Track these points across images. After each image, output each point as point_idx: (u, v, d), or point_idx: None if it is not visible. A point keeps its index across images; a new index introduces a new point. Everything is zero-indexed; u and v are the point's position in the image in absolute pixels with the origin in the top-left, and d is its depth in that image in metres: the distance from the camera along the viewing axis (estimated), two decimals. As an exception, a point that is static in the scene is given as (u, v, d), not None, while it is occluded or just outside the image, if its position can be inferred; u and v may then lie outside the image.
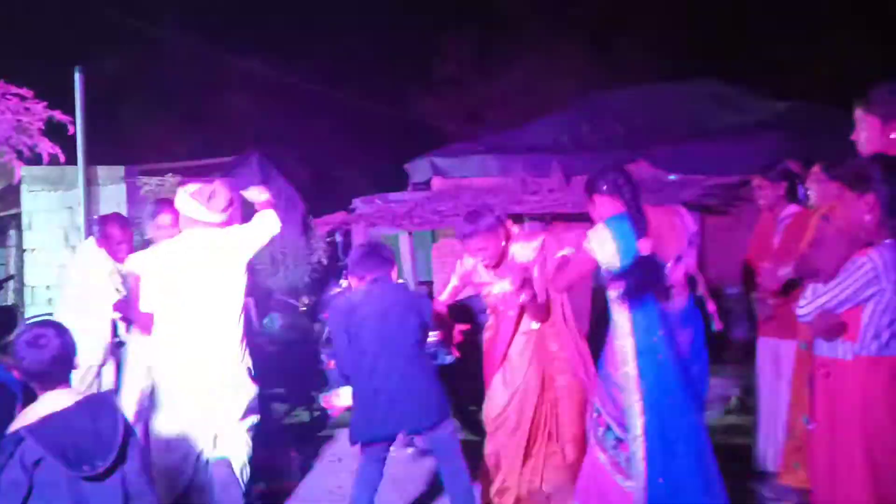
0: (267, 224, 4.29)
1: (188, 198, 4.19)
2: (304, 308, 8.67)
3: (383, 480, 4.25)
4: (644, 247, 3.72)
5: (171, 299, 4.15)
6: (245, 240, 4.25)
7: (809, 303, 3.32)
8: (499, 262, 4.40)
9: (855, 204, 3.27)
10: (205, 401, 4.08)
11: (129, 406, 4.72)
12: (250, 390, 4.21)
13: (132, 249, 4.97)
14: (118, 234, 5.10)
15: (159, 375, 4.22)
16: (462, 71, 16.66)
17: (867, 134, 3.58)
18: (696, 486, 3.71)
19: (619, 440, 3.84)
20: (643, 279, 3.71)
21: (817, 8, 14.10)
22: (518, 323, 4.41)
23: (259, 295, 10.71)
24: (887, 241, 3.21)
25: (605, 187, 3.89)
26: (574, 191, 8.12)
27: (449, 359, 5.26)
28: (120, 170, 8.36)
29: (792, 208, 4.83)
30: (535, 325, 4.42)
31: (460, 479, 4.11)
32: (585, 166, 8.37)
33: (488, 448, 4.45)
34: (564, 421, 4.38)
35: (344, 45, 16.04)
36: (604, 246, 3.76)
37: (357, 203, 9.93)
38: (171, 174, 8.61)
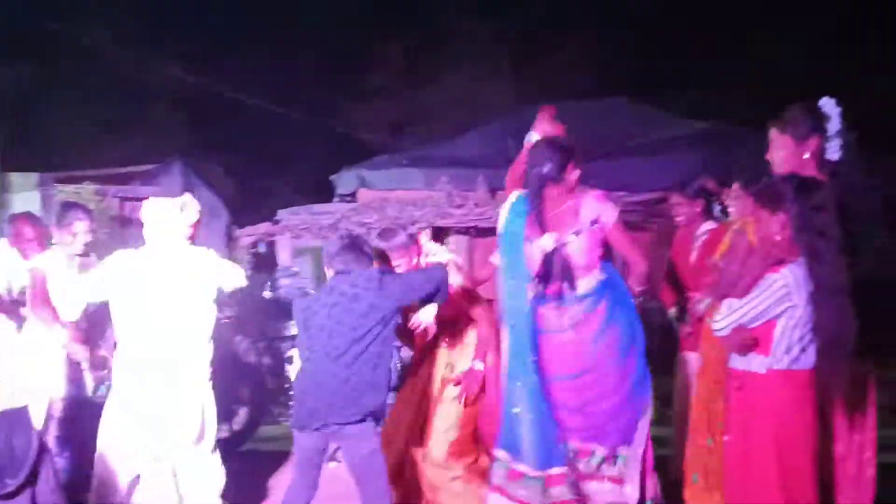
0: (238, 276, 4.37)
1: (156, 208, 4.19)
2: (227, 320, 8.49)
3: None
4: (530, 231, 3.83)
5: (139, 308, 4.11)
6: (222, 275, 4.29)
7: (725, 317, 3.41)
8: None
9: (768, 222, 3.38)
10: (160, 418, 4.06)
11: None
12: (212, 415, 4.17)
13: (44, 248, 4.87)
14: (29, 232, 4.98)
15: (117, 381, 4.17)
16: (389, 83, 16.67)
17: (782, 153, 3.66)
18: None
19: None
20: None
21: (734, 27, 14.55)
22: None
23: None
24: (799, 258, 3.32)
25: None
26: (499, 205, 8.20)
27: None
28: (34, 177, 8.13)
29: (708, 225, 4.97)
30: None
31: (371, 485, 3.97)
32: (511, 180, 8.47)
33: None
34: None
35: (271, 54, 15.88)
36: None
37: (282, 214, 9.83)
38: (88, 182, 8.41)
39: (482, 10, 15.94)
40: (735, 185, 4.65)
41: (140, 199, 9.87)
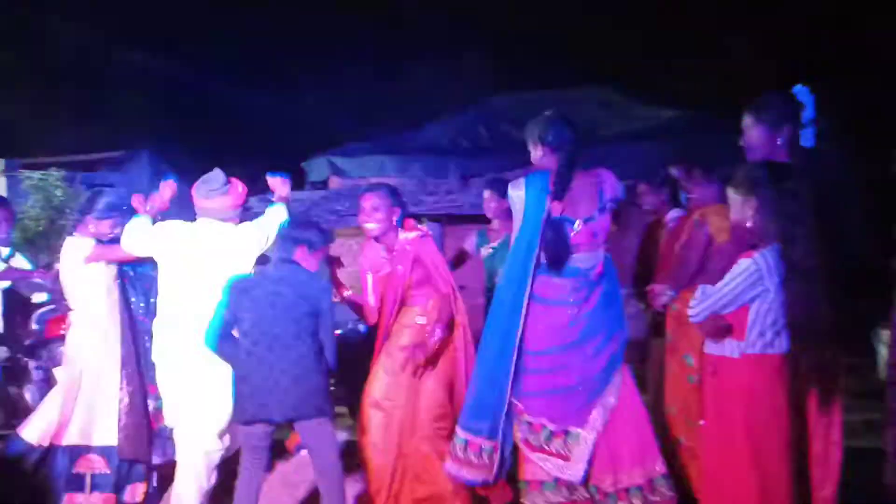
0: (277, 217, 4.39)
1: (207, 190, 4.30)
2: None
3: (274, 482, 4.17)
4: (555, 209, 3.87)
5: (179, 283, 4.27)
6: (255, 237, 4.33)
7: (699, 304, 3.42)
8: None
9: (741, 207, 3.41)
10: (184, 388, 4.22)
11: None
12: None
13: (10, 229, 5.02)
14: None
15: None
16: (358, 70, 16.59)
17: (756, 140, 3.70)
18: None
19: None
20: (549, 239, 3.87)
21: (706, 17, 14.65)
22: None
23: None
24: (771, 243, 3.35)
25: (549, 138, 3.99)
26: (471, 192, 8.24)
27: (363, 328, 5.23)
28: (0, 163, 8.01)
29: (675, 213, 5.03)
30: (420, 320, 4.40)
31: (329, 477, 3.98)
32: (482, 168, 8.52)
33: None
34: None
35: (238, 41, 15.74)
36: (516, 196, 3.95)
37: (252, 202, 9.76)
38: (54, 168, 8.31)
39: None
40: (696, 173, 4.70)
41: (106, 186, 9.82)
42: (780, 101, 3.67)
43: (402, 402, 4.31)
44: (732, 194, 3.45)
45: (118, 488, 4.45)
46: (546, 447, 3.88)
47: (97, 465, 4.43)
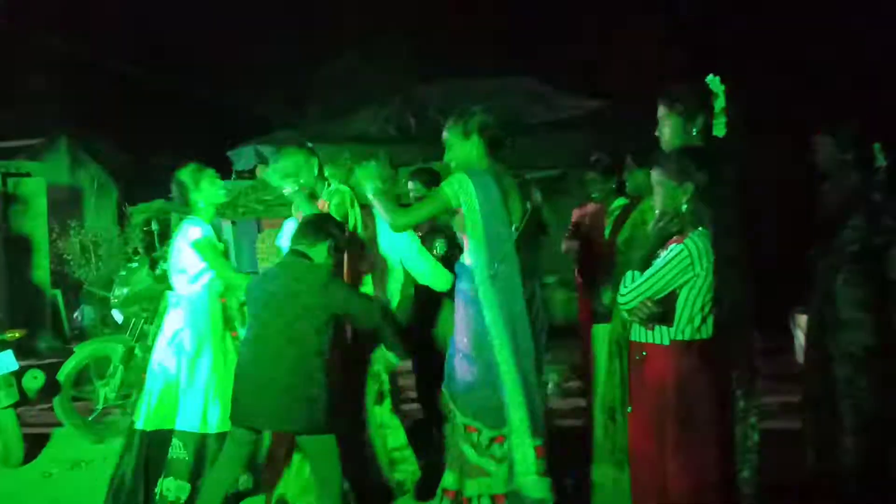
0: None
1: None
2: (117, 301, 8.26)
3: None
4: None
5: None
6: None
7: (630, 290, 3.41)
8: None
9: (674, 193, 3.43)
10: None
11: None
12: None
13: None
14: None
15: None
16: (282, 57, 16.37)
17: (669, 130, 3.73)
18: None
19: None
20: None
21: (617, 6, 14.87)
22: None
23: (68, 287, 10.17)
24: (700, 228, 3.39)
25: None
26: (400, 181, 8.21)
27: None
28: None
29: (620, 201, 5.13)
30: None
31: (325, 490, 3.86)
32: (411, 157, 8.52)
33: None
34: None
35: (162, 27, 15.35)
36: None
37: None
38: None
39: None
40: (628, 160, 4.77)
41: (23, 175, 9.53)
42: (692, 91, 3.69)
43: None
44: (664, 180, 3.45)
45: None
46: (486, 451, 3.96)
47: None
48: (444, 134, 4.11)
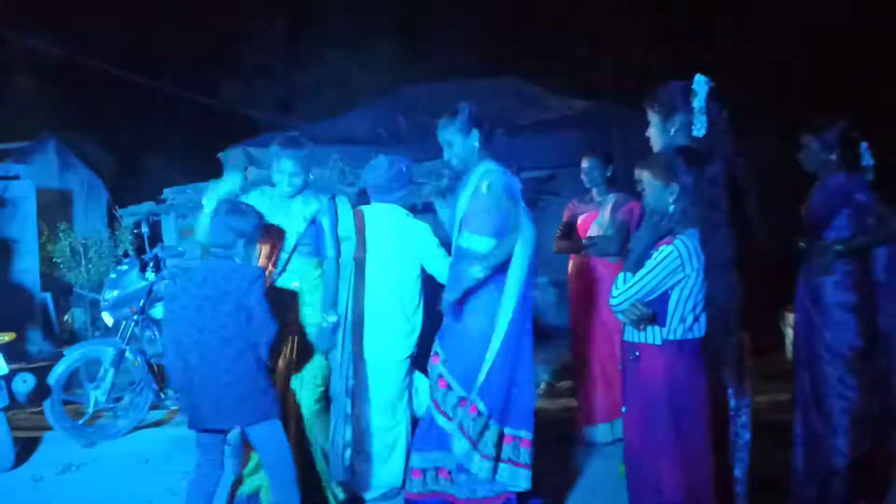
0: None
1: None
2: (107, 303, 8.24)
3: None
4: None
5: None
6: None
7: (622, 292, 3.42)
8: None
9: (661, 193, 3.46)
10: None
11: None
12: None
13: None
14: None
15: None
16: (271, 59, 16.35)
17: (654, 130, 3.77)
18: None
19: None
20: None
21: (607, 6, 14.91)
22: None
23: (58, 290, 10.14)
24: (690, 229, 3.41)
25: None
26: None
27: None
28: None
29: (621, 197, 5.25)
30: None
31: (279, 475, 3.90)
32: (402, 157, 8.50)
33: None
34: None
35: (150, 27, 15.30)
36: None
37: (168, 193, 9.55)
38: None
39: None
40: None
41: (11, 178, 9.48)
42: (670, 91, 3.72)
43: None
44: (651, 180, 3.47)
45: None
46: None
47: None
48: (441, 133, 4.14)
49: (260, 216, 4.03)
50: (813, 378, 4.07)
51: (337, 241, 4.46)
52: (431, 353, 4.25)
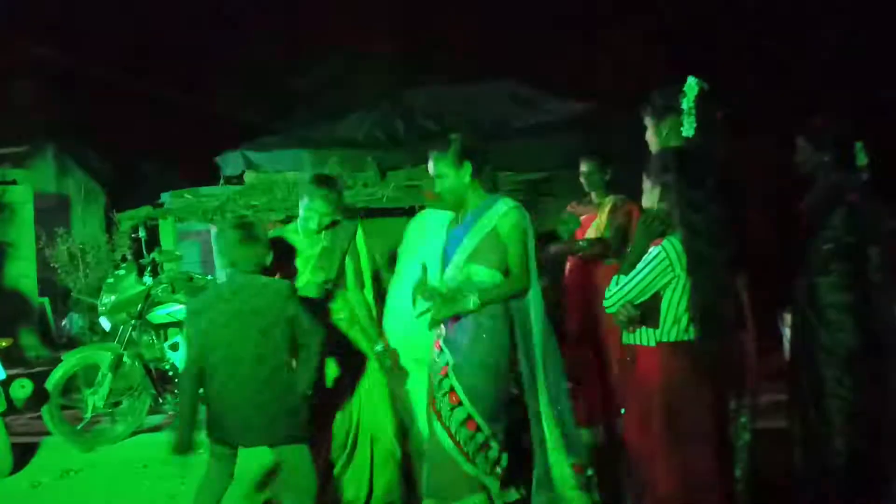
0: None
1: None
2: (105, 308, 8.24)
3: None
4: None
5: None
6: None
7: (614, 294, 3.44)
8: None
9: (650, 193, 3.47)
10: None
11: None
12: None
13: None
14: None
15: None
16: (268, 63, 16.35)
17: (649, 132, 3.81)
18: None
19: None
20: None
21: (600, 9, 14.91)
22: None
23: (56, 295, 10.13)
24: (679, 229, 3.40)
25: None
26: (389, 185, 8.27)
27: None
28: None
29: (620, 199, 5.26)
30: None
31: (298, 500, 3.88)
32: (400, 161, 8.53)
33: None
34: None
35: (148, 32, 15.31)
36: None
37: (166, 197, 9.55)
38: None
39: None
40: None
41: (9, 183, 9.48)
42: (661, 94, 3.75)
43: None
44: (644, 182, 3.50)
45: None
46: None
47: None
48: (432, 165, 4.05)
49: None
50: (810, 379, 4.07)
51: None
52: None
